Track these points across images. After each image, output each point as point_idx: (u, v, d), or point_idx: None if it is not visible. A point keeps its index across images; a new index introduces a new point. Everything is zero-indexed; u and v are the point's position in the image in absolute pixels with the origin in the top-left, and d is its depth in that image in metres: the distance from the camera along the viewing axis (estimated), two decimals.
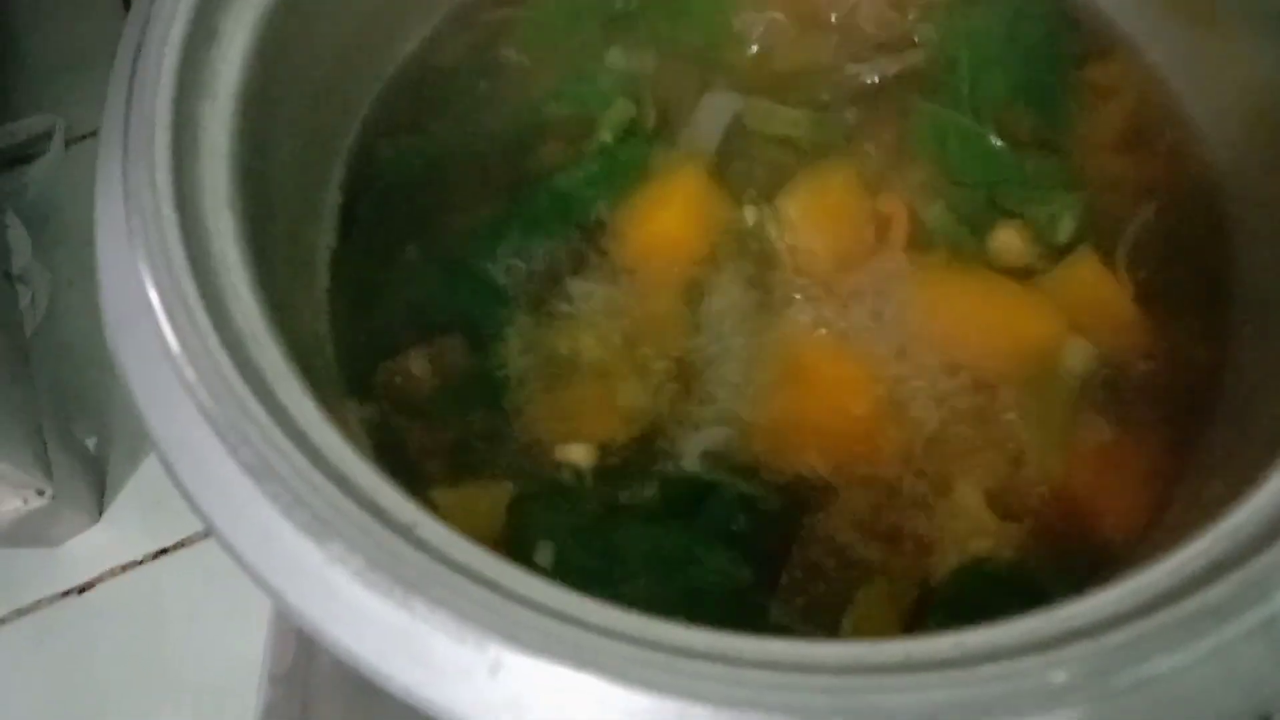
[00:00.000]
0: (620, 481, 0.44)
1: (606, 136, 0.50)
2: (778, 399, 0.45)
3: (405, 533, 0.30)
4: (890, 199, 0.48)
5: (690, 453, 0.44)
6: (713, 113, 0.50)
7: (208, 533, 0.74)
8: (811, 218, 0.48)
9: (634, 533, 0.42)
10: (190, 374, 0.32)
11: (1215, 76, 0.49)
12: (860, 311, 0.46)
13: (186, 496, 0.31)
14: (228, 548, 0.30)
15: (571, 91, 0.52)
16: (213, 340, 0.32)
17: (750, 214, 0.48)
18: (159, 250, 0.34)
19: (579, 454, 0.44)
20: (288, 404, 0.32)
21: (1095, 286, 0.47)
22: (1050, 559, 0.41)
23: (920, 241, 0.48)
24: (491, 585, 0.29)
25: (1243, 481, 0.32)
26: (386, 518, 0.30)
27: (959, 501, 0.42)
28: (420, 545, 0.29)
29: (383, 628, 0.28)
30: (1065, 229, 0.48)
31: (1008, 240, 0.48)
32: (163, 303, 0.33)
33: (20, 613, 0.70)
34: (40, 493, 0.65)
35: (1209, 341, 0.46)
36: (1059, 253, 0.48)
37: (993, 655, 0.28)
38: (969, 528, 0.42)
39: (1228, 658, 0.27)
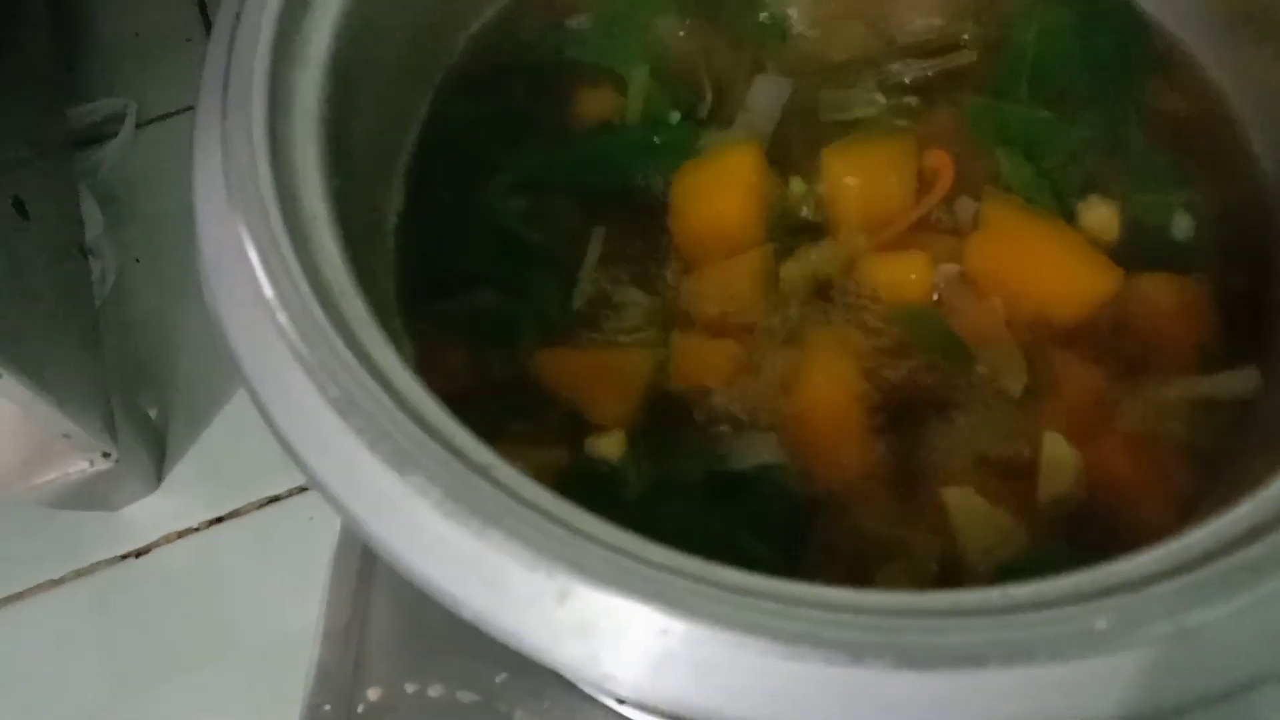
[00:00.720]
0: (658, 463, 0.45)
1: (673, 115, 0.52)
2: (815, 387, 0.46)
3: (482, 471, 0.31)
4: (937, 154, 0.50)
5: (729, 440, 0.45)
6: (767, 96, 0.52)
7: (261, 503, 0.77)
8: (858, 174, 0.49)
9: (672, 516, 0.43)
10: (283, 318, 0.34)
11: (1273, 97, 0.49)
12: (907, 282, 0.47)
13: (276, 432, 0.33)
14: (314, 479, 0.32)
15: (630, 63, 0.53)
16: (304, 287, 0.34)
17: (798, 185, 0.50)
18: (255, 203, 0.36)
19: (609, 446, 0.45)
20: (371, 350, 0.34)
21: (1187, 305, 0.48)
22: (1083, 545, 0.42)
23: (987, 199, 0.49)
24: (562, 523, 0.31)
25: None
26: (464, 457, 0.32)
27: (986, 484, 0.43)
28: (496, 483, 0.31)
29: (459, 555, 0.30)
30: (1182, 226, 0.49)
31: (1102, 218, 0.49)
32: (258, 252, 0.35)
33: (79, 573, 0.73)
34: (106, 455, 0.68)
35: (1250, 352, 0.46)
36: (1158, 244, 0.49)
37: (1038, 605, 0.29)
38: (993, 513, 0.43)
39: (1264, 613, 0.28)
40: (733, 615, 0.29)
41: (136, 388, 0.76)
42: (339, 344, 0.33)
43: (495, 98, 0.53)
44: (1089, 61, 0.53)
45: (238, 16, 0.40)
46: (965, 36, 0.54)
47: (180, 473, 0.76)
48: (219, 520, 0.74)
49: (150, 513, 0.75)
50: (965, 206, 0.50)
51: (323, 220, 0.37)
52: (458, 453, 0.32)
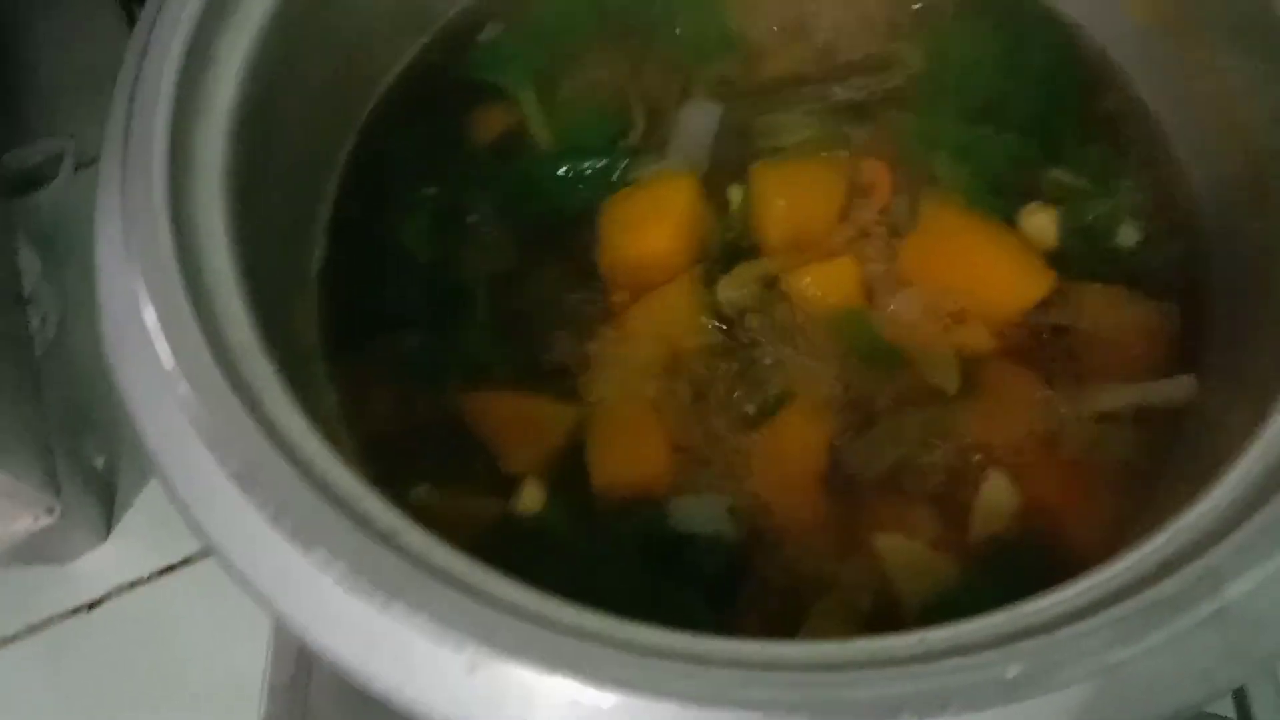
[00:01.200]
0: (589, 517, 0.44)
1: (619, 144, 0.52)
2: (757, 436, 0.45)
3: (387, 539, 0.31)
4: (874, 165, 0.49)
5: (668, 501, 0.44)
6: (698, 121, 0.51)
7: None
8: (785, 193, 0.49)
9: (603, 568, 0.42)
10: (184, 388, 0.33)
11: (1201, 115, 0.49)
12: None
13: (179, 507, 0.32)
14: (218, 555, 0.31)
15: (533, 87, 0.53)
16: (205, 356, 0.33)
17: (736, 194, 0.50)
18: (155, 268, 0.35)
19: (529, 498, 0.44)
20: (276, 416, 0.34)
21: (1133, 320, 0.47)
22: (1016, 571, 0.42)
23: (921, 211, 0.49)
24: (469, 590, 0.30)
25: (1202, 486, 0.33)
26: (370, 525, 0.31)
27: (919, 517, 0.43)
28: (401, 551, 0.31)
29: (365, 631, 0.29)
30: (1116, 234, 0.49)
31: (1041, 224, 0.48)
32: (158, 319, 0.34)
33: (31, 629, 0.71)
34: (50, 511, 0.66)
35: (1184, 359, 0.46)
36: (1094, 252, 0.49)
37: (954, 651, 0.29)
38: (923, 555, 0.43)
39: (1181, 648, 0.28)
40: (644, 680, 0.28)
41: (81, 437, 0.75)
42: (241, 413, 0.32)
43: (419, 136, 0.52)
44: (1017, 75, 0.52)
45: (138, 72, 0.40)
46: (895, 55, 0.54)
47: (130, 522, 0.74)
48: (171, 569, 0.72)
49: (101, 564, 0.73)
50: (901, 207, 0.49)
51: (229, 280, 0.37)
52: (364, 521, 0.31)
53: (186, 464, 0.32)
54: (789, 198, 0.49)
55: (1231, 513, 0.31)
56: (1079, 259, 0.48)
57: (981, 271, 0.48)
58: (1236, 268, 0.46)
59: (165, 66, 0.39)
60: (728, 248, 0.49)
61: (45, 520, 0.67)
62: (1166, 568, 0.29)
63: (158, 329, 0.34)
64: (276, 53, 0.42)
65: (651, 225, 0.49)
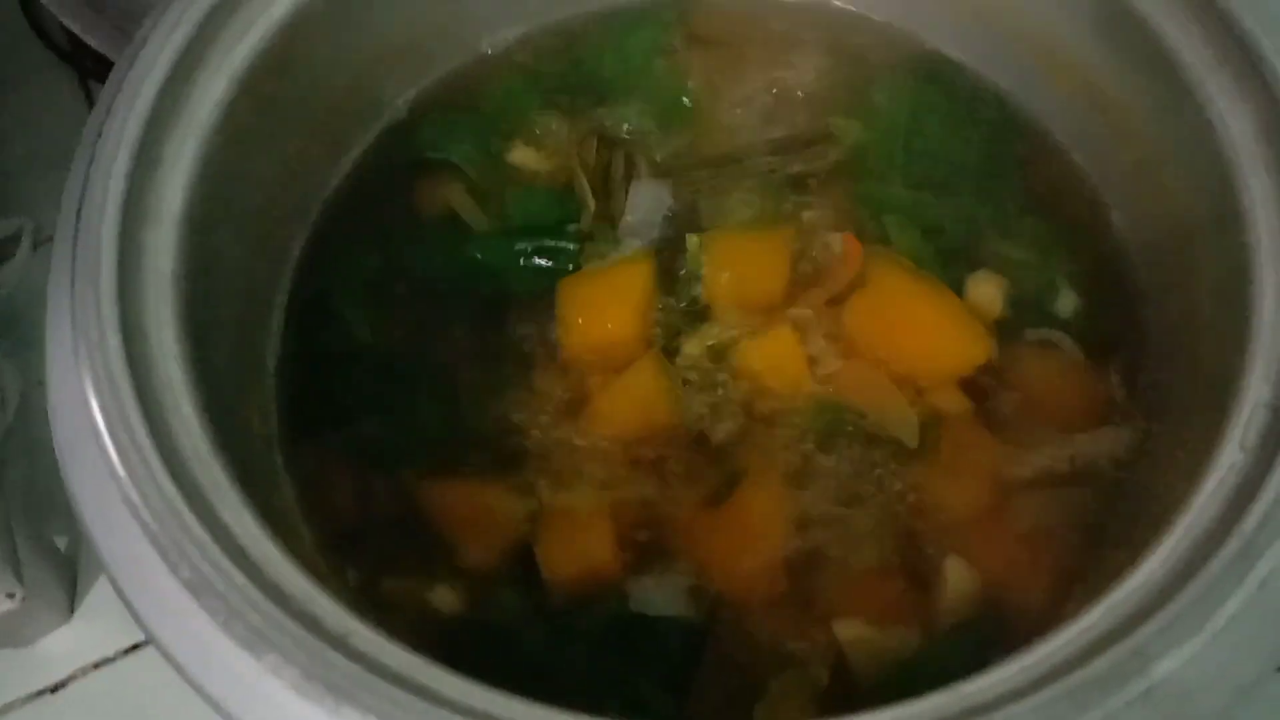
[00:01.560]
0: (545, 607, 0.44)
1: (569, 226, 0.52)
2: (716, 513, 0.46)
3: (339, 642, 0.31)
4: (845, 238, 0.50)
5: (628, 584, 0.45)
6: (647, 201, 0.52)
7: None
8: (733, 265, 0.50)
9: (572, 658, 0.43)
10: (134, 495, 0.33)
11: (1132, 181, 0.50)
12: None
13: (132, 612, 0.33)
14: (171, 660, 0.32)
15: (509, 178, 0.54)
16: (155, 462, 0.34)
17: (693, 242, 0.50)
18: (104, 375, 0.35)
19: (443, 599, 0.44)
20: (228, 520, 0.34)
21: (1076, 384, 0.49)
22: (970, 646, 0.42)
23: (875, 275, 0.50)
24: (420, 690, 0.30)
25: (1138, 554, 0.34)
26: (321, 628, 0.32)
27: (877, 594, 0.43)
28: (353, 654, 0.31)
29: None
30: (1067, 303, 0.50)
31: (988, 293, 0.50)
32: (107, 427, 0.34)
33: None
34: (10, 595, 0.66)
35: (1123, 416, 0.48)
36: (1038, 314, 0.50)
37: None
38: (880, 637, 0.43)
39: None
40: None
41: (43, 517, 0.74)
42: (191, 520, 0.33)
43: (373, 224, 0.53)
44: (957, 147, 0.54)
45: (86, 177, 0.40)
46: (838, 128, 0.55)
47: (94, 600, 0.74)
48: (135, 647, 0.72)
49: (65, 644, 0.72)
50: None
51: (179, 384, 0.37)
52: (315, 623, 0.32)
53: (137, 569, 0.33)
54: (734, 269, 0.50)
55: (1160, 588, 0.32)
56: (1020, 326, 0.49)
57: (923, 335, 0.49)
58: (1169, 329, 0.47)
59: (113, 172, 0.40)
60: (685, 314, 0.50)
61: (6, 605, 0.66)
62: (1099, 645, 0.30)
63: (106, 436, 0.34)
64: (225, 153, 0.43)
65: (610, 309, 0.50)
